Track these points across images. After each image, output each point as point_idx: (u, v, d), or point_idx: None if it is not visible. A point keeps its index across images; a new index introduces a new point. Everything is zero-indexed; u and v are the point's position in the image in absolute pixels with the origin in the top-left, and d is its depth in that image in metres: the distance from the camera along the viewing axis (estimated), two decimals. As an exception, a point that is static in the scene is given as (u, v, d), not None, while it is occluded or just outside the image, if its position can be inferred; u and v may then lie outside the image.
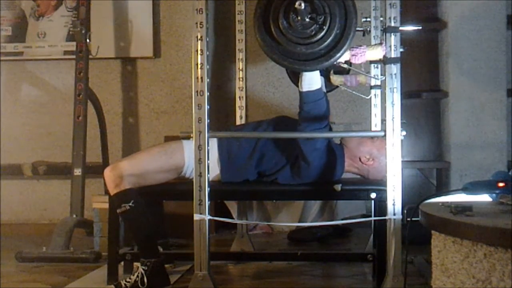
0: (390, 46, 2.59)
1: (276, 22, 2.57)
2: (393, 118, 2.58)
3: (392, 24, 2.58)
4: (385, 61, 2.60)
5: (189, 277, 2.83)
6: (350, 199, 3.89)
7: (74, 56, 4.35)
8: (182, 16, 4.87)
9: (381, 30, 3.22)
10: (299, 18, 2.53)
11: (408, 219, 2.12)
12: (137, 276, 2.92)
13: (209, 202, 2.65)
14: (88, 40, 4.26)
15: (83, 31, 4.24)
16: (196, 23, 2.64)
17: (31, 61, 4.96)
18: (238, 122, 3.85)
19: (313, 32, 2.55)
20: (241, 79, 3.89)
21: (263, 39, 2.61)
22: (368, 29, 3.29)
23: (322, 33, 2.55)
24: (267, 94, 4.89)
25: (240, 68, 3.88)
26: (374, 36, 3.48)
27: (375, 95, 3.54)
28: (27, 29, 4.95)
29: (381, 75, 3.20)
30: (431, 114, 4.54)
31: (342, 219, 4.10)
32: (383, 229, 2.63)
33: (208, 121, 2.66)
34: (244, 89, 3.89)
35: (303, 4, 2.45)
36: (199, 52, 2.65)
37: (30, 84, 4.99)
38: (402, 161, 2.60)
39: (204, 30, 2.64)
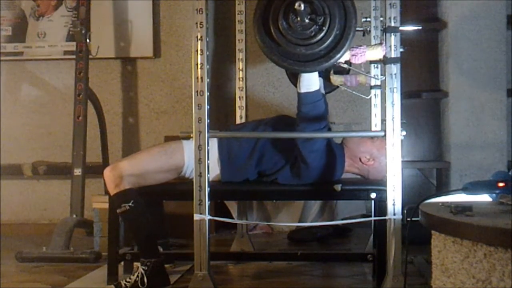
0: (390, 46, 2.59)
1: (275, 23, 2.57)
2: (393, 118, 2.58)
3: (392, 24, 2.58)
4: (385, 61, 2.60)
5: (189, 277, 2.83)
6: (350, 199, 3.89)
7: (74, 56, 4.35)
8: (182, 16, 4.87)
9: (381, 30, 3.22)
10: (298, 19, 2.53)
11: (408, 219, 2.12)
12: (137, 276, 2.92)
13: (209, 202, 2.65)
14: (88, 40, 4.26)
15: (83, 31, 4.24)
16: (196, 23, 2.64)
17: (31, 61, 4.96)
18: (238, 122, 3.84)
19: (313, 33, 2.55)
20: (241, 79, 3.89)
21: (262, 40, 2.61)
22: (368, 29, 3.30)
23: (322, 34, 2.55)
24: (267, 94, 4.89)
25: (240, 68, 3.88)
26: (374, 36, 3.47)
27: (375, 95, 3.54)
28: (27, 29, 4.95)
29: (381, 75, 3.20)
30: (431, 114, 4.54)
31: (342, 219, 4.10)
32: (383, 229, 2.63)
33: (208, 121, 2.66)
34: (244, 89, 3.89)
35: (302, 5, 2.45)
36: (199, 52, 2.65)
37: (30, 84, 4.99)
38: (402, 161, 2.60)
39: (204, 30, 2.64)
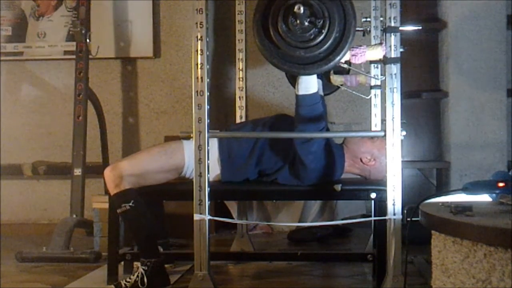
0: (390, 46, 2.59)
1: (275, 26, 2.56)
2: (393, 118, 2.58)
3: (392, 24, 2.58)
4: (385, 61, 2.60)
5: (189, 277, 2.83)
6: (350, 199, 3.90)
7: (74, 56, 4.35)
8: (182, 16, 4.87)
9: (381, 30, 3.22)
10: (298, 22, 2.52)
11: (408, 219, 2.12)
12: (137, 276, 2.92)
13: (209, 202, 2.65)
14: (88, 40, 4.26)
15: (83, 31, 4.24)
16: (196, 23, 2.64)
17: (31, 61, 4.96)
18: (238, 122, 3.84)
19: (312, 36, 2.55)
20: (241, 79, 3.89)
21: (262, 43, 2.61)
22: (368, 29, 3.30)
23: (321, 37, 2.55)
24: (267, 94, 4.89)
25: (240, 68, 3.88)
26: (374, 36, 3.47)
27: (375, 95, 3.54)
28: (27, 29, 4.95)
29: (381, 75, 3.20)
30: (431, 114, 4.54)
31: (342, 219, 4.10)
32: (383, 229, 2.63)
33: (208, 121, 2.66)
34: (244, 89, 3.89)
35: (302, 8, 2.45)
36: (199, 52, 2.65)
37: (30, 84, 4.99)
38: (402, 161, 2.60)
39: (204, 30, 2.64)
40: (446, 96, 4.32)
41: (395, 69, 2.58)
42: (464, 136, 4.21)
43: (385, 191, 2.60)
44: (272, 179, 3.07)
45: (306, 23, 2.53)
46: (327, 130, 3.04)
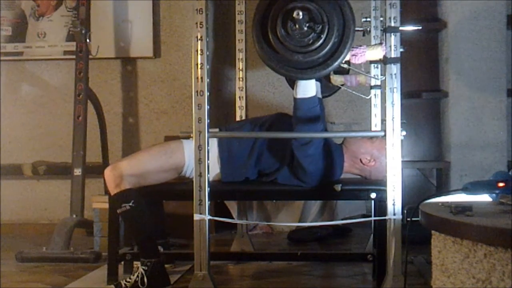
0: (390, 46, 2.59)
1: (274, 30, 2.56)
2: (393, 118, 2.58)
3: (392, 24, 2.58)
4: (385, 61, 2.60)
5: (189, 277, 2.83)
6: (350, 199, 3.89)
7: (74, 56, 4.35)
8: (182, 16, 4.87)
9: (381, 30, 3.22)
10: (297, 26, 2.52)
11: (408, 219, 2.12)
12: (137, 276, 2.92)
13: (209, 202, 2.65)
14: (88, 40, 4.26)
15: (83, 31, 4.24)
16: (196, 23, 2.64)
17: (31, 61, 4.96)
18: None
19: (311, 41, 2.55)
20: (241, 79, 3.89)
21: (261, 47, 2.60)
22: (368, 29, 3.30)
23: (320, 42, 2.55)
24: (267, 94, 4.89)
25: (240, 68, 3.88)
26: (374, 36, 3.48)
27: (375, 95, 3.54)
28: (27, 29, 4.95)
29: (381, 75, 3.20)
30: (431, 114, 4.54)
31: (342, 219, 4.10)
32: (383, 229, 2.63)
33: (208, 121, 2.66)
34: (244, 89, 3.88)
35: (301, 13, 2.45)
36: (199, 52, 2.65)
37: (30, 84, 4.99)
38: (402, 161, 2.60)
39: (204, 30, 2.64)
40: (446, 96, 4.32)
41: (395, 69, 2.58)
42: (464, 136, 4.21)
43: (385, 191, 2.60)
44: (272, 179, 3.06)
45: (305, 28, 2.53)
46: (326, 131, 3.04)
